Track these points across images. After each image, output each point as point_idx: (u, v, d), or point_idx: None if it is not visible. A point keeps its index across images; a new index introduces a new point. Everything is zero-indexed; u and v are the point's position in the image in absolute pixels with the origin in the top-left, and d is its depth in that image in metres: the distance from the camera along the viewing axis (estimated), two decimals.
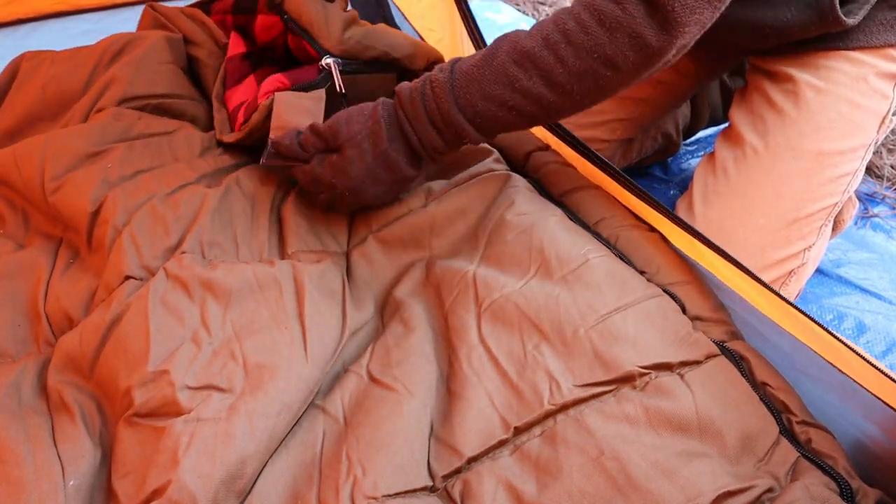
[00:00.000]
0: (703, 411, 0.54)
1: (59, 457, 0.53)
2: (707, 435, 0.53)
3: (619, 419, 0.54)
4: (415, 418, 0.55)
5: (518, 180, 0.74)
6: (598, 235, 0.70)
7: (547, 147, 0.81)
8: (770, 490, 0.50)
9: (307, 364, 0.57)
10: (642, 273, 0.66)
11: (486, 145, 0.78)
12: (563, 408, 0.56)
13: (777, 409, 0.56)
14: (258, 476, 0.52)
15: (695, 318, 0.63)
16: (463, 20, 0.97)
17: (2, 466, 0.52)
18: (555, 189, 0.77)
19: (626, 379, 0.57)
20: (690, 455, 0.52)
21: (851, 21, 0.81)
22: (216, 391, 0.55)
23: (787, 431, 0.55)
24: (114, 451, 0.54)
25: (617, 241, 0.70)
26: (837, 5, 0.79)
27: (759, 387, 0.58)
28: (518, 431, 0.55)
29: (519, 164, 0.80)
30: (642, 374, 0.57)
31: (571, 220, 0.72)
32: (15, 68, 0.87)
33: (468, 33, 0.97)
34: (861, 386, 0.54)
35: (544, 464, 0.53)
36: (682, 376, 0.57)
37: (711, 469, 0.50)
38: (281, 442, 0.55)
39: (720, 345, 0.60)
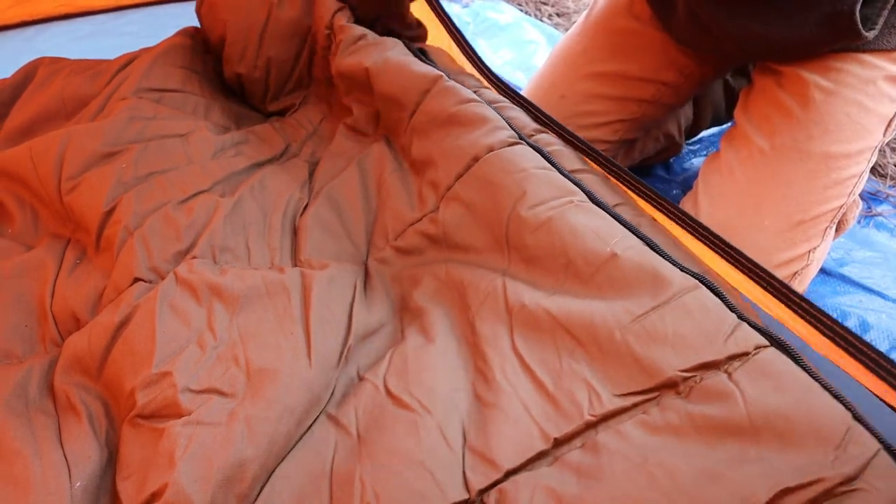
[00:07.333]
0: (755, 410, 0.49)
1: (66, 458, 0.53)
2: (762, 435, 0.48)
3: (664, 430, 0.50)
4: (435, 440, 0.53)
5: (520, 157, 0.68)
6: (619, 219, 0.64)
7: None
8: (844, 482, 0.45)
9: (310, 368, 0.57)
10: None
11: (488, 112, 0.73)
12: (604, 418, 0.52)
13: (845, 397, 0.49)
14: (265, 483, 0.52)
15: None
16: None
17: (8, 467, 0.52)
18: (566, 165, 0.71)
19: (669, 385, 0.52)
20: (742, 461, 0.48)
21: (872, 33, 0.79)
22: (217, 395, 0.55)
23: (860, 419, 0.48)
24: (118, 452, 0.55)
25: (640, 228, 0.64)
26: (858, 20, 0.77)
27: (816, 376, 0.51)
28: (558, 443, 0.52)
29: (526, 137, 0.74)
30: (685, 379, 0.52)
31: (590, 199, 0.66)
32: (31, 71, 0.88)
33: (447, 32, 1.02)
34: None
35: (586, 469, 0.50)
36: (729, 375, 0.51)
37: (765, 470, 0.47)
38: (290, 449, 0.54)
39: (768, 334, 0.53)
